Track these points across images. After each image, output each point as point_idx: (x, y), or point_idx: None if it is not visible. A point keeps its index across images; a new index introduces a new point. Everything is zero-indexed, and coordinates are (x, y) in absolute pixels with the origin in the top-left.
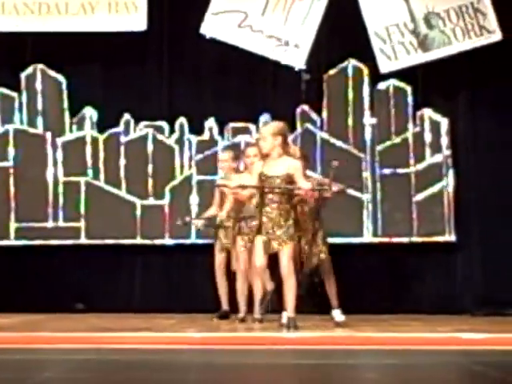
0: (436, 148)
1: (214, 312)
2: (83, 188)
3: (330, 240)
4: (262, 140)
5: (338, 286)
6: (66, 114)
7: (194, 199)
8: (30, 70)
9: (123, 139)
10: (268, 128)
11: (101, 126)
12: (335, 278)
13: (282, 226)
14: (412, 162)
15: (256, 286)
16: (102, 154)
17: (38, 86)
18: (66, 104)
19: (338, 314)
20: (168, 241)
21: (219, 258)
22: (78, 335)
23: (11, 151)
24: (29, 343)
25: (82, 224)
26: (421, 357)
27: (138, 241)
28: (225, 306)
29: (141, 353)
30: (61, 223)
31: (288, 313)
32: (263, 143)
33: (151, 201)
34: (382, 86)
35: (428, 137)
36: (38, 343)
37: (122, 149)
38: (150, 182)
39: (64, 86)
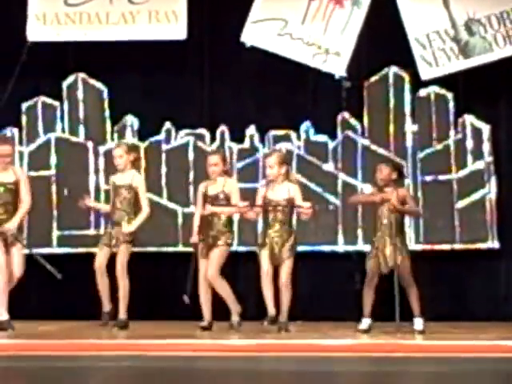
0: (478, 155)
1: (259, 319)
2: None
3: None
4: (269, 168)
5: (378, 293)
6: (108, 123)
7: None
8: (71, 79)
9: (164, 147)
10: (274, 158)
11: (142, 135)
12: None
13: (284, 245)
14: (454, 168)
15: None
16: (143, 162)
17: (80, 94)
18: (107, 112)
19: (417, 322)
20: None
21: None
22: (120, 342)
23: (53, 160)
24: (70, 350)
25: None
26: (465, 364)
27: (180, 248)
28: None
29: (183, 360)
30: (102, 231)
31: (281, 318)
32: (270, 171)
33: (192, 208)
34: (422, 92)
35: (470, 143)
36: (79, 350)
37: (164, 157)
38: (192, 189)
39: (105, 95)
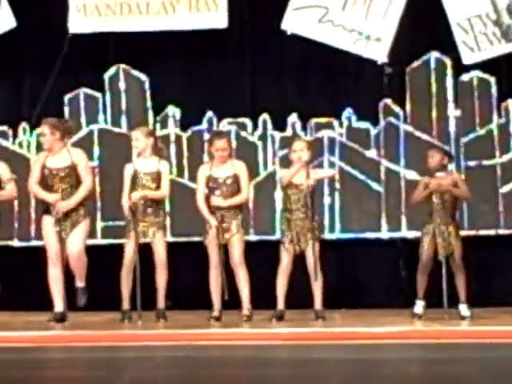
0: None
1: (299, 307)
2: None
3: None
4: (301, 151)
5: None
6: (150, 113)
7: (278, 195)
8: (112, 70)
9: (206, 136)
10: (305, 142)
11: (184, 124)
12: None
13: (308, 229)
14: (497, 153)
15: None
16: (185, 152)
17: (122, 85)
18: (149, 103)
19: (463, 309)
20: (252, 237)
21: None
22: (164, 332)
23: (96, 151)
24: (114, 341)
25: (167, 222)
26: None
27: None
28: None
29: (225, 349)
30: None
31: (316, 306)
32: (304, 154)
33: None
34: (465, 77)
35: None
36: (123, 341)
37: (206, 146)
38: None
39: (147, 85)
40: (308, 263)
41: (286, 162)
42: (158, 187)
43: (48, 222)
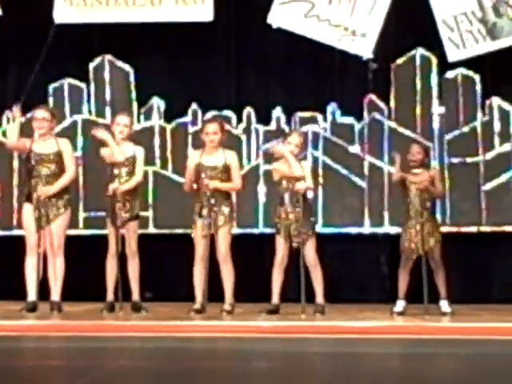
0: (505, 137)
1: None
2: (151, 178)
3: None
4: (296, 147)
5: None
6: (134, 104)
7: (261, 189)
8: (97, 60)
9: (191, 129)
10: (300, 138)
11: (168, 116)
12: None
13: (304, 224)
14: (481, 151)
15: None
16: (169, 144)
17: (106, 76)
18: (133, 94)
19: (444, 305)
20: (235, 230)
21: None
22: (146, 323)
23: (80, 141)
24: (97, 331)
25: (150, 213)
26: (491, 347)
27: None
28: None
29: (209, 341)
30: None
31: (318, 300)
32: (296, 148)
33: None
34: (450, 74)
35: (497, 126)
36: (105, 332)
37: (190, 138)
38: None
39: (132, 77)
40: (305, 258)
41: (270, 156)
42: (133, 172)
43: (28, 209)
